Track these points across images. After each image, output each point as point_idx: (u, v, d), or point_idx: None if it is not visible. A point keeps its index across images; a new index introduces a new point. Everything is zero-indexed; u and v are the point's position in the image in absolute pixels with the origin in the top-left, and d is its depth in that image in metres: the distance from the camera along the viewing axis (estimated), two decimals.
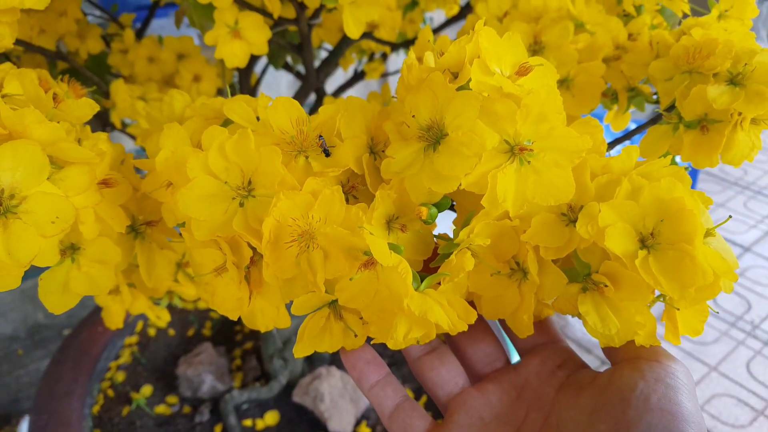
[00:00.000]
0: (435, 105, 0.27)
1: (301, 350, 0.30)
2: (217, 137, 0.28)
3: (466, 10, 0.75)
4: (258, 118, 0.32)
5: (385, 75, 0.92)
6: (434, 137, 0.27)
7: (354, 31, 0.42)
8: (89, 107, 0.32)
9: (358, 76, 0.87)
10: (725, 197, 2.19)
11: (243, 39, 0.47)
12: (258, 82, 0.81)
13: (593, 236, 0.27)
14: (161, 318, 0.52)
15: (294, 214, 0.27)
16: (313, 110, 0.80)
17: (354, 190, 0.30)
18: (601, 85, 0.43)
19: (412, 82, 0.29)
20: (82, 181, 0.28)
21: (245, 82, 0.73)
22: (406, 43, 0.80)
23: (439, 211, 0.29)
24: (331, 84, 0.91)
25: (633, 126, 0.46)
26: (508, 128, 0.27)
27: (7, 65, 0.40)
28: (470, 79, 0.27)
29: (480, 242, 0.27)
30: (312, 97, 0.78)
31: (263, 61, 0.77)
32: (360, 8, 0.41)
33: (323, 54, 0.80)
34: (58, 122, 0.28)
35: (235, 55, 0.47)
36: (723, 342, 1.58)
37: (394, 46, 0.71)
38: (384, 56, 0.89)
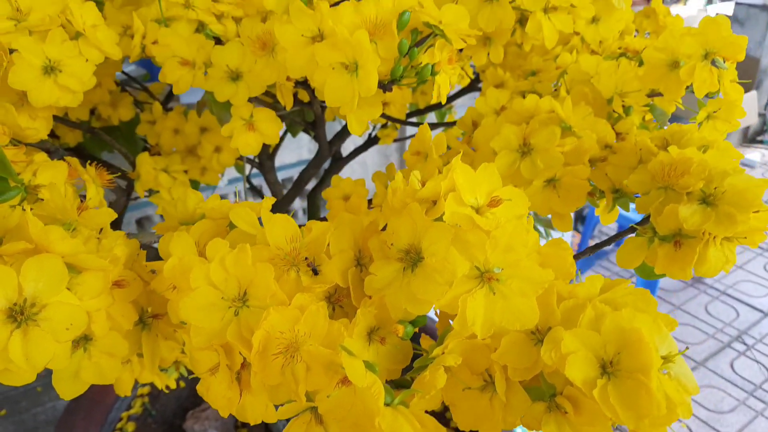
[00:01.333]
0: (414, 232, 0.30)
1: None
2: (220, 250, 0.31)
3: (476, 82, 0.78)
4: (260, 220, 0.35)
5: (398, 140, 0.96)
6: (412, 260, 0.30)
7: (357, 130, 0.46)
8: (108, 216, 0.35)
9: (372, 141, 0.91)
10: (745, 258, 2.16)
11: (257, 130, 0.51)
12: (278, 145, 0.85)
13: (556, 362, 0.29)
14: (169, 384, 0.55)
15: (282, 327, 0.29)
16: (328, 173, 0.84)
17: (340, 301, 0.33)
18: (586, 186, 0.46)
19: (396, 205, 0.32)
20: (96, 286, 0.31)
21: (265, 147, 0.77)
22: (419, 112, 0.84)
23: (415, 327, 0.31)
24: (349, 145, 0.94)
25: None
26: (479, 256, 0.29)
27: (42, 156, 0.44)
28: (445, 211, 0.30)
29: (451, 362, 0.30)
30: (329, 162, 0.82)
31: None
32: (362, 110, 0.45)
33: (337, 127, 0.84)
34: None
35: (249, 145, 0.51)
36: (740, 411, 1.55)
37: (405, 123, 0.75)
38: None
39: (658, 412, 0.28)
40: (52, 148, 0.62)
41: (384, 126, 0.93)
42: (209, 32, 0.55)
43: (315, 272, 0.31)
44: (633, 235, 0.41)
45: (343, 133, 0.76)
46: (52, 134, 0.75)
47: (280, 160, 1.64)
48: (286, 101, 0.50)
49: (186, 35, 0.50)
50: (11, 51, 0.41)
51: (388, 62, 0.41)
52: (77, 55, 0.43)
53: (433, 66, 0.41)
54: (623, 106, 0.52)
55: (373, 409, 0.27)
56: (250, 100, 0.48)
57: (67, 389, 0.33)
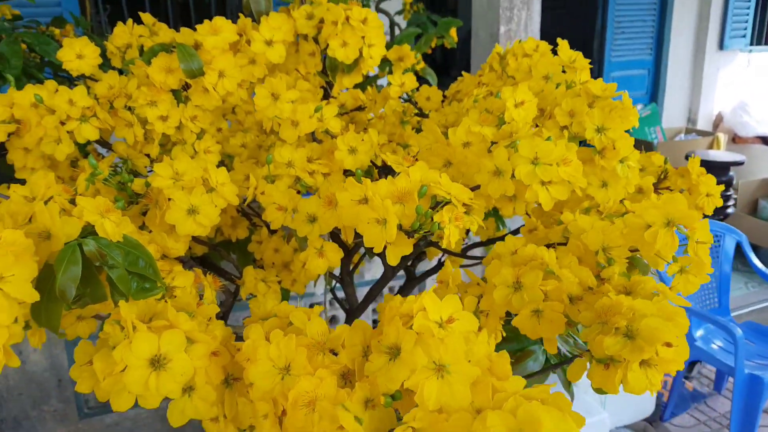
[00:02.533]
0: (396, 335, 0.47)
1: None
2: (277, 337, 0.49)
3: None
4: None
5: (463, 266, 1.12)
6: (394, 354, 0.46)
7: (393, 261, 0.63)
8: (214, 310, 0.55)
9: (440, 265, 1.08)
10: None
11: (325, 257, 0.70)
12: (356, 265, 1.04)
13: None
14: None
15: (307, 389, 0.46)
16: (402, 289, 1.01)
17: (350, 378, 0.49)
18: (563, 318, 0.60)
19: (388, 317, 0.49)
20: (201, 352, 0.50)
21: (346, 265, 0.97)
22: (480, 244, 1.00)
23: (394, 400, 0.47)
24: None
25: None
26: (435, 355, 0.45)
27: (179, 266, 0.66)
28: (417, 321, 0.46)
29: (417, 425, 0.45)
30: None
31: None
32: (397, 248, 0.62)
33: None
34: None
35: (318, 267, 0.70)
36: None
37: (460, 255, 0.91)
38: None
39: None
40: (185, 258, 0.84)
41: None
42: (303, 184, 0.77)
43: (335, 354, 0.49)
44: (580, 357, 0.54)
45: (416, 259, 0.95)
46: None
47: (370, 275, 1.85)
48: (348, 238, 0.70)
49: (283, 190, 0.71)
50: (169, 199, 0.63)
51: (411, 218, 0.59)
52: (210, 203, 0.65)
53: (438, 223, 0.58)
54: (608, 257, 0.67)
55: None
56: (322, 236, 0.68)
57: (176, 419, 0.51)
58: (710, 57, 4.83)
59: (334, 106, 0.82)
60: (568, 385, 0.91)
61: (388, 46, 1.81)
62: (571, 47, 0.93)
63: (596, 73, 4.57)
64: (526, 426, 0.43)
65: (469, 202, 0.61)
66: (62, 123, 0.77)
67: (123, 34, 1.01)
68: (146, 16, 1.04)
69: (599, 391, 0.55)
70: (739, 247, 2.40)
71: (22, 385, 1.75)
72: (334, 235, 0.78)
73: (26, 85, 0.84)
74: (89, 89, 0.84)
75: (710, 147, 4.42)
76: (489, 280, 0.66)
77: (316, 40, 0.89)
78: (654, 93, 4.80)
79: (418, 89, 1.05)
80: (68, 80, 1.48)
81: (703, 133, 4.61)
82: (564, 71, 0.92)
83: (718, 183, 0.90)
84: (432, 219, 0.59)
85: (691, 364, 2.63)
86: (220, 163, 0.88)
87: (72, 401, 1.83)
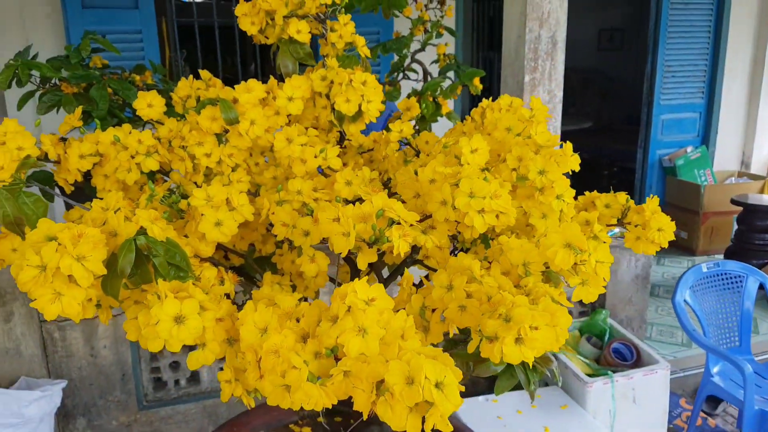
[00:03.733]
0: (336, 309, 0.68)
1: None
2: (260, 308, 0.72)
3: None
4: None
5: None
6: (334, 321, 0.68)
7: (362, 265, 0.85)
8: (223, 290, 0.78)
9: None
10: None
11: (315, 262, 0.93)
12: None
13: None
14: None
15: (275, 342, 0.68)
16: None
17: (307, 337, 0.71)
18: (479, 312, 0.79)
19: (335, 297, 0.70)
20: (210, 317, 0.73)
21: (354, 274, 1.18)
22: None
23: (333, 352, 0.68)
24: None
25: None
26: (359, 321, 0.66)
27: (207, 264, 0.90)
28: None
29: (348, 367, 0.66)
30: None
31: None
32: (365, 256, 0.84)
33: None
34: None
35: (310, 270, 0.93)
36: None
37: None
38: None
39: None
40: (220, 264, 1.09)
41: None
42: (308, 208, 1.01)
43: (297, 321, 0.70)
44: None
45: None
46: (227, 258, 1.23)
47: None
48: (333, 248, 0.92)
49: (288, 211, 0.95)
50: (202, 214, 0.88)
51: (370, 233, 0.81)
52: (231, 218, 0.89)
53: (387, 237, 0.80)
54: (526, 270, 0.86)
55: (302, 378, 0.64)
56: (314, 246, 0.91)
57: (192, 364, 0.74)
58: (765, 101, 4.83)
59: (336, 148, 1.06)
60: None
61: (423, 92, 2.06)
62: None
63: (645, 115, 4.66)
64: (414, 372, 0.63)
65: (415, 224, 0.83)
66: (132, 157, 1.04)
67: (185, 87, 1.28)
68: (204, 73, 1.31)
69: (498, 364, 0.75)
70: None
71: (93, 376, 2.04)
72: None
73: (110, 123, 1.12)
74: (155, 130, 1.11)
75: (761, 191, 4.41)
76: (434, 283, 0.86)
77: (328, 97, 1.14)
78: (705, 136, 4.82)
79: (417, 134, 1.27)
80: (142, 120, 1.79)
81: (755, 177, 4.59)
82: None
83: None
84: (384, 234, 0.81)
85: (716, 402, 2.67)
86: (255, 192, 1.14)
87: (133, 393, 2.11)
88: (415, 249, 1.09)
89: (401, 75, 2.30)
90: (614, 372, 2.19)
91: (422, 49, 2.31)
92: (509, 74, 2.40)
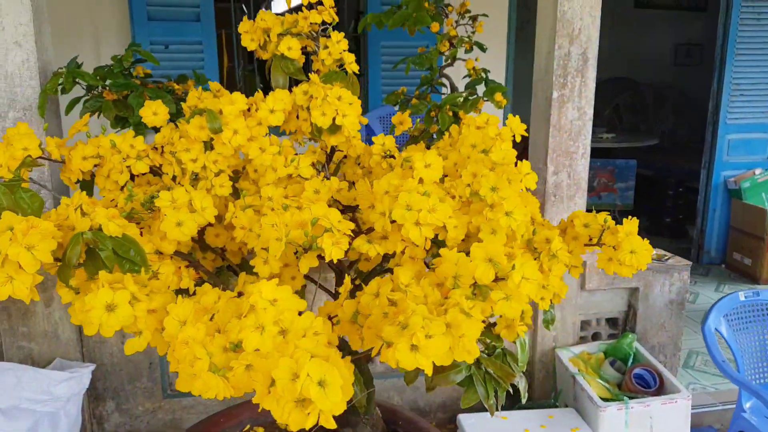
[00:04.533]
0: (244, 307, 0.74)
1: None
2: (184, 303, 0.79)
3: None
4: None
5: None
6: (240, 317, 0.74)
7: (304, 270, 0.90)
8: (165, 284, 0.86)
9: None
10: None
11: (267, 264, 0.99)
12: None
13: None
14: None
15: (191, 334, 0.75)
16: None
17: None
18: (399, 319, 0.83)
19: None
20: (141, 307, 0.80)
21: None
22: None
23: (237, 347, 0.74)
24: None
25: None
26: (259, 320, 0.72)
27: (167, 260, 0.98)
28: None
29: (247, 361, 0.71)
30: None
31: None
32: (306, 260, 0.90)
33: None
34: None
35: (263, 271, 0.99)
36: None
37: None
38: None
39: None
40: (195, 262, 1.17)
41: None
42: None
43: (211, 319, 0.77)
44: None
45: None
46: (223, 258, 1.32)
47: None
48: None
49: (249, 215, 1.01)
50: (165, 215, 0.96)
51: (303, 239, 0.87)
52: (192, 220, 0.97)
53: (318, 242, 0.85)
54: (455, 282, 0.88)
55: (204, 368, 0.71)
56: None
57: (128, 349, 0.82)
58: None
59: (309, 157, 1.12)
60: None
61: (441, 105, 2.09)
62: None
63: (710, 135, 4.46)
64: (300, 367, 0.68)
65: (348, 232, 0.88)
66: (124, 160, 1.14)
67: (193, 98, 1.39)
68: (214, 84, 1.41)
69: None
70: None
71: (123, 363, 2.19)
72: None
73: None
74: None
75: None
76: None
77: (308, 110, 1.20)
78: None
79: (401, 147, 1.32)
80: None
81: None
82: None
83: None
84: (315, 241, 0.86)
85: None
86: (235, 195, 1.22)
87: (159, 382, 2.25)
88: (386, 258, 1.14)
89: (430, 89, 2.34)
90: (632, 398, 2.13)
91: (450, 64, 2.34)
92: (539, 90, 2.39)
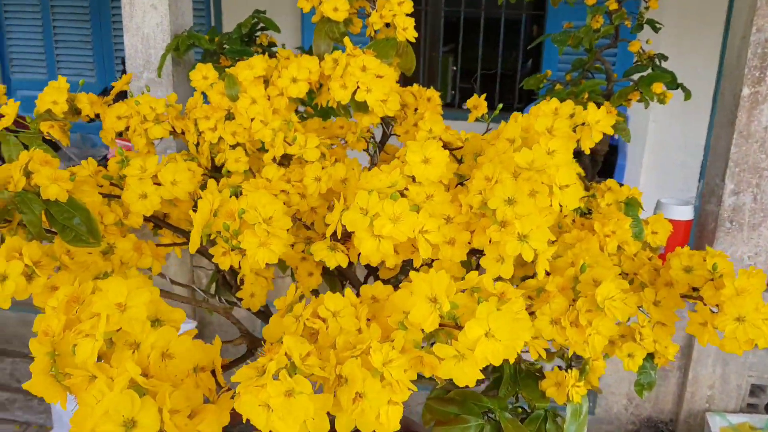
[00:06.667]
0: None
1: None
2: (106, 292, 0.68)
3: None
4: None
5: None
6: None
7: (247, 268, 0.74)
8: (82, 259, 0.76)
9: None
10: None
11: (227, 255, 0.84)
12: None
13: None
14: None
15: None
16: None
17: None
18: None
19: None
20: (39, 282, 0.71)
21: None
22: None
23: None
24: None
25: None
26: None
27: (131, 236, 0.88)
28: None
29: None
30: None
31: None
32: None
33: None
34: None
35: (223, 263, 0.85)
36: None
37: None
38: None
39: None
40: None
41: None
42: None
43: None
44: None
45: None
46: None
47: None
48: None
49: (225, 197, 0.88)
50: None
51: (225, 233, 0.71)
52: (156, 193, 0.86)
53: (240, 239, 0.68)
54: None
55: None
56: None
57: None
58: None
59: (316, 139, 0.95)
60: None
61: (578, 93, 1.76)
62: None
63: None
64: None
65: (283, 232, 0.69)
66: (142, 122, 1.08)
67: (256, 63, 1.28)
68: (282, 51, 1.29)
69: None
70: None
71: None
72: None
73: None
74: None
75: None
76: None
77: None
78: None
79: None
80: None
81: None
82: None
83: None
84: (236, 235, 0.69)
85: None
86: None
87: None
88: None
89: (581, 74, 1.98)
90: None
91: (613, 45, 1.95)
92: (727, 86, 1.88)
